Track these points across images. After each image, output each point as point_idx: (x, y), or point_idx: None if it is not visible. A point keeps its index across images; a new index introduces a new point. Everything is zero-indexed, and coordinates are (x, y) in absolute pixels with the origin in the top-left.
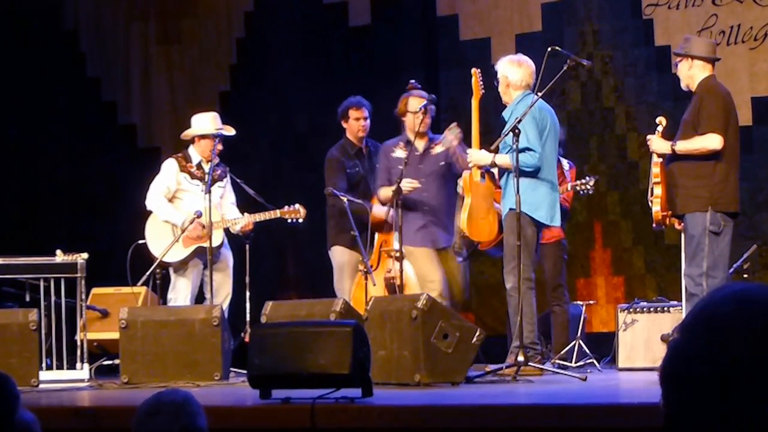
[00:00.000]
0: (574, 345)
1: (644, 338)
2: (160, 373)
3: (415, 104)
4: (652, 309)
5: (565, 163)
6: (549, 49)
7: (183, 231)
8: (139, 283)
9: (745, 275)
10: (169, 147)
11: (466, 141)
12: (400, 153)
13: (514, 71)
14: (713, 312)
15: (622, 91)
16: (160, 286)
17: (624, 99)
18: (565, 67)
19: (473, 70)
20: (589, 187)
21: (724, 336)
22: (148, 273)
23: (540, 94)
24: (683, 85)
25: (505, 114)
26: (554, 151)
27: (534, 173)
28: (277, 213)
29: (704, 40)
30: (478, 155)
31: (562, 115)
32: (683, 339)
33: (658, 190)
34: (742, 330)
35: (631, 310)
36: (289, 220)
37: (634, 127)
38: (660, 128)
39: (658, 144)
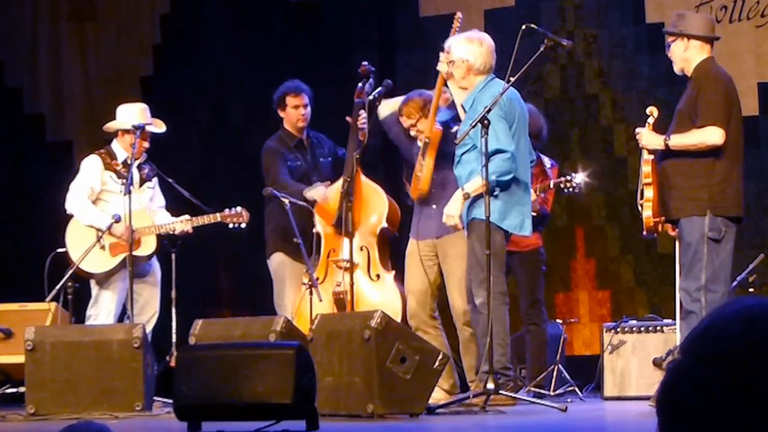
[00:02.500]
0: (553, 370)
1: (634, 362)
2: (72, 402)
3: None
4: (642, 328)
5: (546, 160)
6: (523, 26)
7: (98, 238)
8: (48, 298)
9: (751, 289)
10: (83, 141)
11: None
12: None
13: (477, 53)
14: (721, 331)
15: (608, 76)
16: (73, 302)
17: (610, 85)
18: (541, 48)
19: (457, 15)
20: (575, 184)
21: (734, 359)
22: (58, 286)
23: (513, 79)
24: (677, 69)
25: (466, 103)
26: (527, 145)
27: (511, 179)
28: (218, 217)
29: (702, 16)
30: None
31: (538, 103)
32: (686, 362)
33: (649, 192)
34: (755, 352)
35: (618, 329)
36: (231, 225)
37: (622, 118)
38: (651, 119)
39: (648, 138)
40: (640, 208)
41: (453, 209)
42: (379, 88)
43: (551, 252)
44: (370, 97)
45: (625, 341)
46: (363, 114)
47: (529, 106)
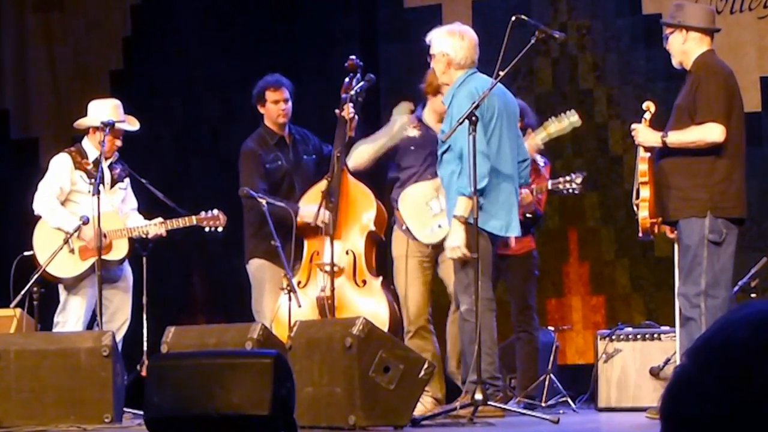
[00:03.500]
0: (544, 380)
1: (629, 372)
2: (38, 414)
3: None
4: (638, 336)
5: (539, 159)
6: (513, 18)
7: (65, 241)
8: (12, 303)
9: (753, 294)
10: (50, 138)
11: None
12: (412, 131)
13: (457, 46)
14: (727, 338)
15: (603, 70)
16: (38, 308)
17: (605, 79)
18: (532, 41)
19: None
20: (575, 186)
21: (740, 367)
22: (23, 291)
23: (502, 74)
24: (675, 63)
25: (445, 99)
26: (510, 141)
27: (491, 180)
28: (194, 220)
29: (701, 6)
30: None
31: (529, 99)
32: (692, 369)
33: (645, 192)
34: (761, 360)
35: (613, 337)
36: (207, 229)
37: (618, 114)
38: (648, 115)
39: (645, 135)
40: (635, 209)
41: (457, 239)
42: (362, 83)
43: (543, 255)
44: (353, 92)
45: (620, 349)
46: (351, 107)
47: (519, 101)
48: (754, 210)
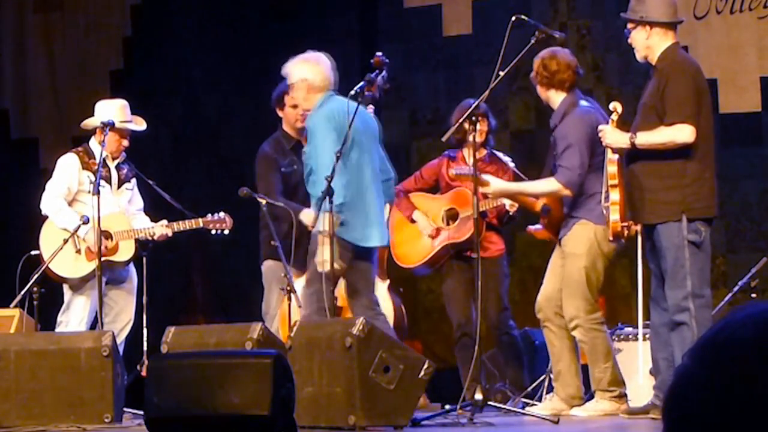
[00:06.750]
0: (544, 380)
1: (629, 372)
2: (38, 414)
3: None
4: (639, 336)
5: (504, 157)
6: (513, 18)
7: (65, 241)
8: (13, 303)
9: (753, 294)
10: (49, 138)
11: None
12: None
13: (315, 71)
14: (731, 335)
15: (603, 70)
16: (39, 307)
17: (605, 79)
18: (532, 41)
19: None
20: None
21: (744, 366)
22: (24, 290)
23: (502, 74)
24: (640, 57)
25: (308, 122)
26: (371, 157)
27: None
28: (200, 222)
29: None
30: None
31: (528, 99)
32: (695, 368)
33: (614, 195)
34: (764, 360)
35: (613, 337)
36: (214, 232)
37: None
38: (614, 116)
39: (613, 136)
40: (605, 212)
41: (325, 254)
42: (361, 83)
43: (544, 255)
44: (352, 93)
45: (620, 349)
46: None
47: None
48: (754, 210)
